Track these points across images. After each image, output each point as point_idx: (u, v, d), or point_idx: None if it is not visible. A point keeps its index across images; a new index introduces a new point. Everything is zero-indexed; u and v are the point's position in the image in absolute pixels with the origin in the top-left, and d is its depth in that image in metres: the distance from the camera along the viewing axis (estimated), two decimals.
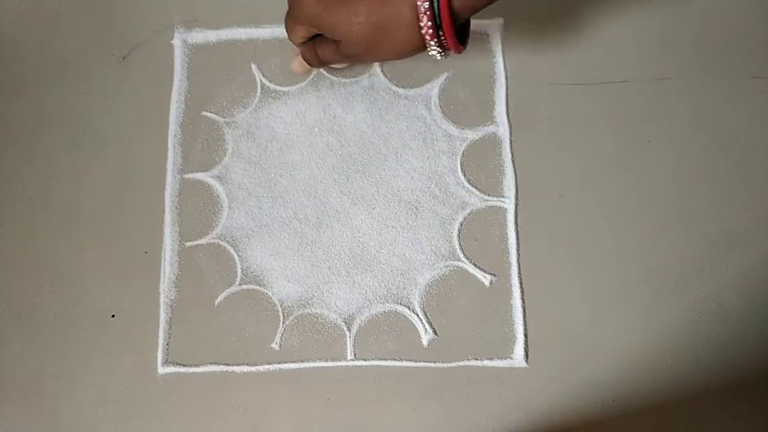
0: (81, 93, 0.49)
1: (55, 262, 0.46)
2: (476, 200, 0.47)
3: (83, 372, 0.45)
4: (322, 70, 0.49)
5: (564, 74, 0.49)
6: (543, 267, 0.46)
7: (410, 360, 0.44)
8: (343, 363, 0.44)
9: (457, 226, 0.47)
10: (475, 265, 0.46)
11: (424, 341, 0.45)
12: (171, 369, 0.44)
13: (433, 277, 0.46)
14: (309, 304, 0.46)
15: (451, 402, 0.44)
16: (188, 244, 0.47)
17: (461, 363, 0.44)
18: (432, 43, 0.38)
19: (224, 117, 0.49)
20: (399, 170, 0.48)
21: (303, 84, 0.49)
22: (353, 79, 0.49)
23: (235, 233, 0.47)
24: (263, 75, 0.50)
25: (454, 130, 0.48)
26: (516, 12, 0.50)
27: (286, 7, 0.41)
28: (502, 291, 0.45)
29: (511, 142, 0.48)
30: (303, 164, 0.48)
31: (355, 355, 0.45)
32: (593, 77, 0.49)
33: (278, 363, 0.44)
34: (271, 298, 0.46)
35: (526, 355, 0.44)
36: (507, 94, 0.49)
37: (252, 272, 0.46)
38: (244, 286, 0.46)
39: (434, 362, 0.44)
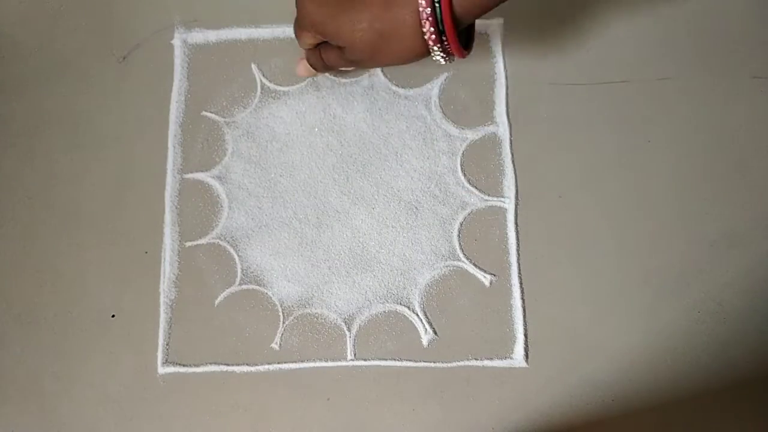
0: (81, 93, 0.49)
1: (55, 262, 0.46)
2: (476, 200, 0.47)
3: (83, 372, 0.45)
4: None
5: (564, 74, 0.49)
6: (543, 267, 0.46)
7: (410, 360, 0.44)
8: (343, 363, 0.44)
9: (457, 226, 0.47)
10: (475, 265, 0.46)
11: (424, 341, 0.45)
12: (171, 369, 0.44)
13: (433, 277, 0.46)
14: (309, 304, 0.46)
15: (451, 402, 0.44)
16: (188, 244, 0.47)
17: (461, 363, 0.44)
18: (435, 48, 0.38)
19: (224, 117, 0.49)
20: (399, 170, 0.48)
21: (303, 84, 0.49)
22: (353, 79, 0.49)
23: (235, 233, 0.47)
24: (263, 75, 0.50)
25: (454, 130, 0.48)
26: (516, 12, 0.50)
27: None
28: (502, 291, 0.45)
29: (511, 142, 0.48)
30: (303, 164, 0.48)
31: (355, 355, 0.45)
32: (593, 77, 0.49)
33: (278, 363, 0.44)
34: (271, 298, 0.46)
35: (526, 355, 0.44)
36: (507, 94, 0.49)
37: (252, 272, 0.46)
38: (244, 286, 0.46)
39: (434, 362, 0.44)
